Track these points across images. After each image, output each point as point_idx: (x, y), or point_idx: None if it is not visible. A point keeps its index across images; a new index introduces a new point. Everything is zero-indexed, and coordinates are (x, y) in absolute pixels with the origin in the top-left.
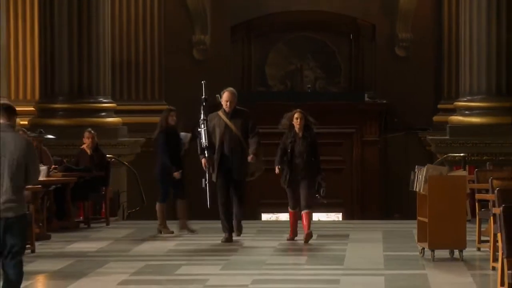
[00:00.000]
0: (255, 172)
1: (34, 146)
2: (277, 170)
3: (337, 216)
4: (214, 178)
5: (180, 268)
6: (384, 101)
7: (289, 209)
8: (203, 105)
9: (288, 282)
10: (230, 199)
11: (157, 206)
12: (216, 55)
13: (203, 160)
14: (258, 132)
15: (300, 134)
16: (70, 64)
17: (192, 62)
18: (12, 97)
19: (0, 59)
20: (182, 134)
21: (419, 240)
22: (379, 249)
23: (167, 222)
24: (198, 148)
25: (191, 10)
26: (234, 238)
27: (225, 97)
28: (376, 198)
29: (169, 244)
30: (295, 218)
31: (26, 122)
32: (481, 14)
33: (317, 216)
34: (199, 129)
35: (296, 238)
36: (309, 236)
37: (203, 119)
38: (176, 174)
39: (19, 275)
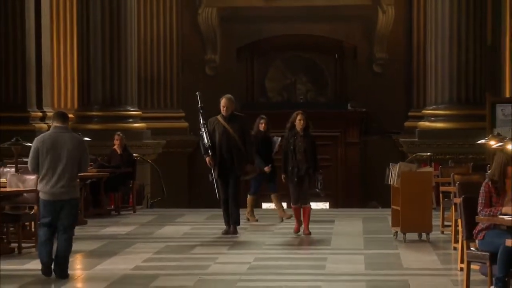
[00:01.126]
0: (250, 173)
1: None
2: (283, 179)
3: (324, 205)
4: (215, 176)
5: (195, 248)
6: (364, 110)
7: (292, 205)
8: (200, 112)
9: (284, 260)
10: (227, 196)
11: (248, 197)
12: (224, 71)
13: (207, 159)
14: (252, 140)
15: (301, 133)
16: (103, 79)
17: (205, 77)
18: (55, 106)
19: (44, 74)
20: (275, 138)
21: (393, 225)
22: (360, 233)
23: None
24: (202, 148)
25: (204, 34)
26: (227, 238)
27: (222, 103)
28: (357, 190)
29: (185, 228)
30: (298, 212)
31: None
32: (445, 37)
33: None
34: (200, 132)
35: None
36: (307, 233)
37: (203, 123)
38: (267, 169)
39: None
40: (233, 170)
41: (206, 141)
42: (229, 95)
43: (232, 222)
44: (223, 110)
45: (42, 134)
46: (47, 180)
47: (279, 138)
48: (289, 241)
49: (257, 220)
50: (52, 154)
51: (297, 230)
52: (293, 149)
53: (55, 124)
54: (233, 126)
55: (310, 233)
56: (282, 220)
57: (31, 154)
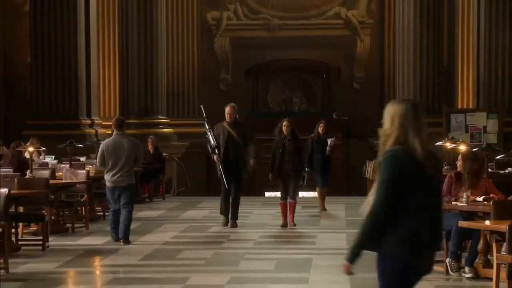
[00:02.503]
0: (249, 171)
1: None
2: (270, 177)
3: (314, 194)
4: (222, 170)
5: (211, 228)
6: (346, 118)
7: (280, 201)
8: (205, 121)
9: (282, 237)
10: (230, 189)
11: (318, 190)
12: (235, 87)
13: (215, 157)
14: (255, 140)
15: (289, 137)
16: (139, 93)
17: (219, 92)
18: (101, 114)
19: (92, 88)
20: (329, 139)
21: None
22: (342, 216)
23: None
24: (209, 149)
25: (219, 58)
26: (230, 229)
27: (227, 111)
28: (340, 181)
29: (204, 212)
30: (285, 208)
31: (110, 132)
32: (410, 60)
33: (302, 194)
34: (206, 136)
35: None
36: (292, 224)
37: (208, 129)
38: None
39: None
40: (237, 169)
41: (212, 142)
42: (232, 104)
43: (232, 216)
44: (227, 117)
45: (106, 140)
46: (110, 173)
47: (333, 139)
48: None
49: (325, 210)
50: (114, 154)
51: (284, 224)
52: (282, 151)
53: (115, 131)
54: (237, 131)
55: (295, 225)
56: (321, 211)
57: (99, 154)
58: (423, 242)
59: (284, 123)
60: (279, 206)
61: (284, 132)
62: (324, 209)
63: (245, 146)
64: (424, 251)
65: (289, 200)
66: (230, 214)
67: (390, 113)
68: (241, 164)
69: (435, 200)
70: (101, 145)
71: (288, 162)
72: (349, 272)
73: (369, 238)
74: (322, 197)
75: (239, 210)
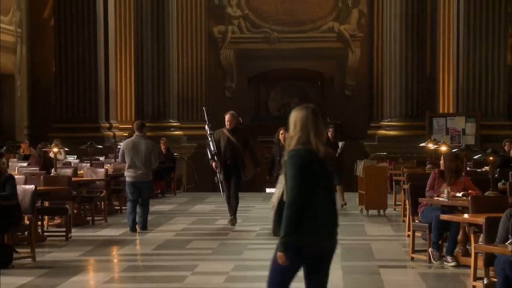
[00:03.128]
0: (249, 174)
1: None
2: (268, 178)
3: None
4: (221, 178)
5: (218, 221)
6: (339, 122)
7: None
8: (207, 124)
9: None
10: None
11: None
12: (239, 94)
13: (214, 164)
14: (252, 147)
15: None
16: (153, 99)
17: (224, 98)
18: (118, 118)
19: (111, 94)
20: (340, 142)
21: (359, 204)
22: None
23: None
24: (208, 154)
25: (224, 68)
26: (230, 225)
27: (227, 118)
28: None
29: (211, 207)
30: None
31: (126, 134)
32: (396, 70)
33: None
34: (207, 141)
35: None
36: None
37: (210, 134)
38: None
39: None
40: (236, 172)
41: (213, 149)
42: (232, 111)
43: (232, 213)
44: (227, 124)
45: (127, 140)
46: (130, 169)
47: (343, 142)
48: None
49: (345, 204)
50: (133, 153)
51: None
52: (279, 159)
53: (136, 133)
54: (236, 137)
55: None
56: (341, 206)
57: (120, 153)
58: (320, 226)
59: (281, 131)
60: None
61: (281, 139)
62: (343, 205)
63: (244, 151)
64: (321, 235)
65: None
66: (231, 211)
67: (293, 118)
68: (240, 168)
69: (332, 193)
70: (122, 144)
71: None
72: (284, 261)
73: (293, 228)
74: (341, 194)
75: (238, 207)
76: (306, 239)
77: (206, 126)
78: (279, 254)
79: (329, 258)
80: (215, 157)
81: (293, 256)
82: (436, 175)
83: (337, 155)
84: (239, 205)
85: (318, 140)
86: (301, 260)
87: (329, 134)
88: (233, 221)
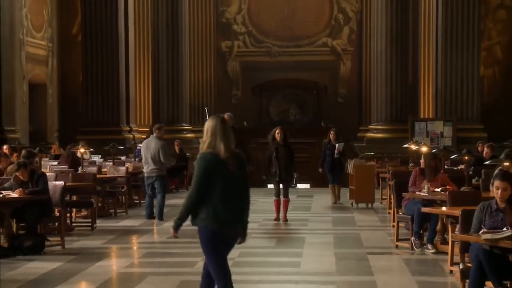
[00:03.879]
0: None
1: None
2: (264, 178)
3: (307, 185)
4: None
5: None
6: (331, 125)
7: (274, 197)
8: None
9: (281, 220)
10: None
11: (330, 185)
12: (244, 101)
13: None
14: (247, 147)
15: (282, 143)
16: (167, 105)
17: (231, 104)
18: (137, 122)
19: (131, 101)
20: (337, 144)
21: (350, 198)
22: (329, 203)
23: None
24: None
25: (231, 78)
26: None
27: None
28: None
29: None
30: (278, 204)
31: (144, 136)
32: (382, 79)
33: (299, 185)
34: None
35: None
36: (285, 220)
37: None
38: (320, 170)
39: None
40: None
41: None
42: (229, 113)
43: None
44: None
45: (145, 140)
46: (144, 165)
47: (342, 144)
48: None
49: (336, 203)
50: (145, 151)
51: (277, 219)
52: (276, 155)
53: (153, 134)
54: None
55: (287, 220)
56: (335, 203)
57: (139, 151)
58: (224, 218)
59: (277, 130)
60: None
61: (277, 138)
62: (335, 202)
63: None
64: (225, 223)
65: (283, 198)
66: None
67: (206, 126)
68: None
69: (236, 188)
70: (142, 144)
71: (281, 165)
72: (175, 237)
73: (186, 214)
74: (333, 192)
75: None
76: (217, 226)
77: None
78: (171, 230)
79: (234, 242)
80: None
81: (211, 239)
82: (417, 172)
83: (335, 156)
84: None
85: (224, 144)
86: (219, 240)
87: (331, 136)
88: None
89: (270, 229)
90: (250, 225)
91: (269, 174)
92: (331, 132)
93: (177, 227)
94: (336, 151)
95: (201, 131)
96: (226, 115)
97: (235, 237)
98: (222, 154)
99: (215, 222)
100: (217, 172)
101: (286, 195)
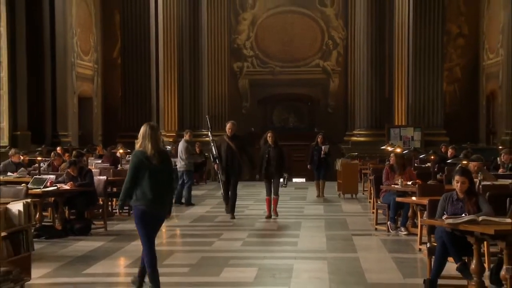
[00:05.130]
0: (245, 175)
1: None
2: (257, 177)
3: (303, 179)
4: (223, 178)
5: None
6: (323, 131)
7: (266, 196)
8: (209, 131)
9: (282, 208)
10: (228, 189)
11: (319, 181)
12: (252, 112)
13: (216, 166)
14: (248, 151)
15: (273, 145)
16: (190, 114)
17: (241, 114)
18: (165, 128)
19: (160, 110)
20: (323, 146)
21: (338, 190)
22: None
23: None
24: (212, 158)
25: (241, 92)
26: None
27: (227, 127)
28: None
29: None
30: (269, 203)
31: (171, 140)
32: (364, 93)
33: (295, 180)
34: (210, 146)
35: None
36: (276, 214)
37: (212, 140)
38: (309, 167)
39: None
40: (234, 173)
41: (215, 153)
42: (232, 121)
43: (230, 210)
44: (228, 131)
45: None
46: (178, 162)
47: (328, 146)
48: (283, 198)
49: (320, 196)
50: (175, 150)
51: (268, 216)
52: (267, 157)
53: (183, 138)
54: (235, 143)
55: (277, 215)
56: (318, 196)
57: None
58: (150, 199)
59: (269, 134)
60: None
61: (269, 141)
62: (319, 195)
63: (241, 155)
64: (151, 203)
65: (273, 196)
66: (229, 207)
67: (140, 131)
68: (237, 169)
69: (160, 176)
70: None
71: (272, 165)
72: (120, 213)
73: (123, 196)
74: (317, 187)
75: (236, 202)
76: (144, 206)
77: (209, 133)
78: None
79: (161, 220)
80: (217, 160)
81: (141, 216)
82: (387, 169)
83: (322, 156)
84: (237, 201)
85: (151, 144)
86: (147, 216)
87: (319, 139)
88: (230, 211)
89: (273, 216)
90: (256, 212)
91: (261, 173)
92: (319, 136)
93: (120, 207)
94: (322, 152)
95: (217, 135)
96: (230, 123)
97: (160, 214)
98: (149, 152)
99: (143, 203)
100: (144, 165)
101: (276, 193)
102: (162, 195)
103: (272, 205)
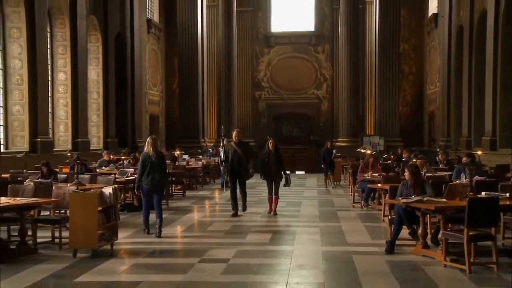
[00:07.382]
0: (250, 176)
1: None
2: (260, 177)
3: (303, 171)
4: (227, 179)
5: (256, 188)
6: (317, 138)
7: (267, 195)
8: (222, 138)
9: (285, 191)
10: (236, 190)
11: (323, 177)
12: (267, 126)
13: (222, 168)
14: (253, 155)
15: (273, 151)
16: (225, 126)
17: (260, 128)
18: (208, 136)
19: (205, 122)
20: (334, 150)
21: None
22: (315, 183)
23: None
24: (219, 161)
25: (260, 112)
26: (240, 213)
27: (234, 134)
28: (315, 168)
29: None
30: (271, 201)
31: (212, 144)
32: (344, 111)
33: (297, 172)
34: (218, 149)
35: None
36: (275, 213)
37: (222, 145)
38: (323, 167)
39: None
40: (241, 175)
41: (222, 157)
42: (238, 129)
43: (243, 205)
44: (235, 138)
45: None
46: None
47: (335, 150)
48: (285, 190)
49: (327, 188)
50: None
51: (269, 211)
52: (268, 161)
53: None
54: (241, 149)
55: (276, 214)
56: (326, 187)
57: (210, 153)
58: (149, 180)
59: (270, 140)
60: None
61: (270, 147)
62: (333, 187)
63: (247, 159)
64: (150, 183)
65: (274, 196)
66: (241, 203)
67: (146, 140)
68: (243, 171)
69: (156, 168)
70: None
71: (272, 168)
72: (138, 194)
73: (138, 181)
74: (325, 181)
75: (247, 198)
76: (147, 185)
77: (222, 140)
78: (136, 191)
79: (158, 193)
80: (223, 163)
81: (145, 190)
82: (362, 165)
83: (332, 157)
84: (247, 197)
85: (152, 148)
86: (148, 191)
87: (328, 145)
88: (243, 209)
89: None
90: (261, 210)
91: (263, 175)
92: (328, 142)
93: (136, 188)
94: (333, 155)
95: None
96: (235, 131)
97: (156, 189)
98: (151, 153)
99: (146, 183)
100: (148, 161)
101: (276, 193)
102: (157, 178)
103: (273, 204)
